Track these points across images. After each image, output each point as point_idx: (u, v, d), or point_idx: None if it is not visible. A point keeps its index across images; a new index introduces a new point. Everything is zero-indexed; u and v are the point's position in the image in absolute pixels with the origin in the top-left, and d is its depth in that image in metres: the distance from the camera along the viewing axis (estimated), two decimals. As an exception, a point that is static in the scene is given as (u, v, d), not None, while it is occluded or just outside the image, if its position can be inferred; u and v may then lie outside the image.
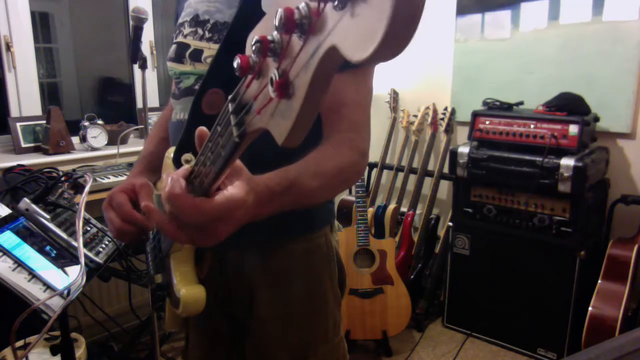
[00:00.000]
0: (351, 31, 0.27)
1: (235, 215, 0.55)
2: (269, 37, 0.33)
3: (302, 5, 0.30)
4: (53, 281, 1.17)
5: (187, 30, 0.96)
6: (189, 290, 0.84)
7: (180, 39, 0.97)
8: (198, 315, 0.90)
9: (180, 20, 1.00)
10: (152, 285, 0.97)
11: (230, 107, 0.41)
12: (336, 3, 0.27)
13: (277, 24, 0.31)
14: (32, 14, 2.36)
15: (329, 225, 1.04)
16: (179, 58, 0.96)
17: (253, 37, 0.35)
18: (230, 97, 0.42)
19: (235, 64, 0.37)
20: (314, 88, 0.31)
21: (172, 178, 0.54)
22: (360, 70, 0.84)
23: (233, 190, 0.55)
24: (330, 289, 1.04)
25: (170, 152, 0.89)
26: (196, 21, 0.95)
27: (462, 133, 2.88)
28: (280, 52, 0.33)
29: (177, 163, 0.80)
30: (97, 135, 2.49)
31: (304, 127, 0.34)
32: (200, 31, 0.93)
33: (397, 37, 0.25)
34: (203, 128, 0.56)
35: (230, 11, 0.89)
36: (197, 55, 0.93)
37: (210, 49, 0.91)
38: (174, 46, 0.99)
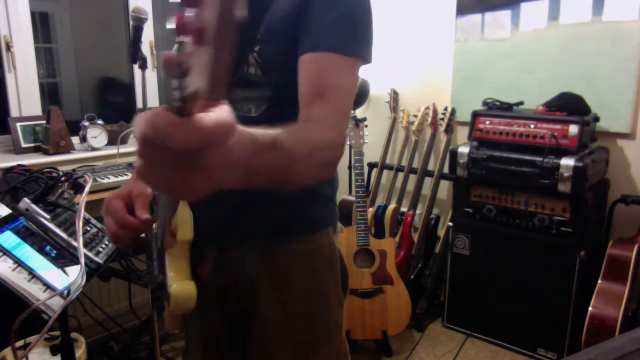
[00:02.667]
0: None
1: (228, 142, 0.43)
2: None
3: None
4: (53, 281, 1.17)
5: None
6: (179, 286, 0.83)
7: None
8: (195, 315, 0.89)
9: None
10: (153, 285, 0.97)
11: (173, 71, 0.40)
12: None
13: None
14: (32, 14, 2.36)
15: (332, 226, 1.05)
16: None
17: None
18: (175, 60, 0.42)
19: (172, 24, 0.37)
20: (220, 27, 0.32)
21: (153, 109, 0.42)
22: (351, 59, 0.84)
23: (220, 112, 0.43)
24: (333, 290, 1.04)
25: None
26: None
27: (462, 133, 2.88)
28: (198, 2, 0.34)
29: None
30: (97, 135, 2.49)
31: (220, 76, 0.34)
32: None
33: None
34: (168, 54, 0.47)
35: None
36: None
37: None
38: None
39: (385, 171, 3.07)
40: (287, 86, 0.84)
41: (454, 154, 2.46)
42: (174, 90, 0.40)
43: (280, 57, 0.86)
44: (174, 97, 0.40)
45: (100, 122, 2.52)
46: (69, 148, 2.37)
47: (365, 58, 0.87)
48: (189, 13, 0.35)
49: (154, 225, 0.94)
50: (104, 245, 1.47)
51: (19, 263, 1.15)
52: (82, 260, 1.13)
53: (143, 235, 0.96)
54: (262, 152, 0.57)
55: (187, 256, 0.88)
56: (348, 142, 2.43)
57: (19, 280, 1.11)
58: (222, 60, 0.34)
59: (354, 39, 0.84)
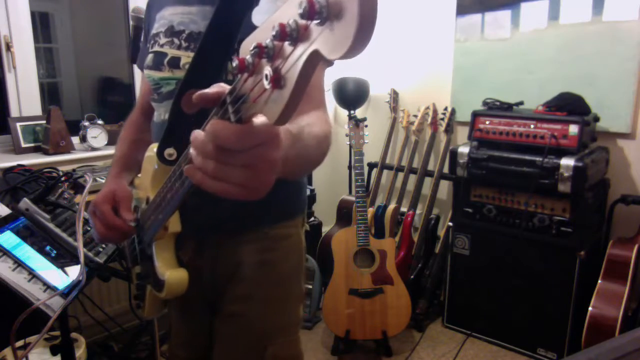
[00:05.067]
0: (329, 39, 0.37)
1: (281, 139, 0.51)
2: (264, 44, 0.43)
3: (291, 21, 0.40)
4: (53, 281, 1.17)
5: (163, 40, 1.03)
6: (172, 273, 0.93)
7: (156, 48, 1.04)
8: (175, 301, 0.97)
9: (154, 31, 1.07)
10: (136, 281, 1.04)
11: (228, 99, 0.49)
12: (319, 21, 0.38)
13: (274, 34, 0.41)
14: (32, 14, 2.36)
15: (302, 215, 1.12)
16: (157, 66, 1.03)
17: (251, 44, 0.44)
18: (227, 91, 0.50)
19: (234, 64, 0.45)
20: (301, 80, 0.41)
21: (212, 121, 0.50)
22: None
23: (263, 117, 0.50)
24: (297, 280, 1.11)
25: (153, 147, 0.97)
26: (171, 32, 1.02)
27: (462, 133, 2.88)
28: (273, 55, 0.43)
29: (161, 157, 0.88)
30: (97, 135, 2.49)
31: (292, 110, 0.43)
32: (176, 41, 1.01)
33: (360, 42, 0.36)
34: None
35: (204, 22, 0.96)
36: (175, 62, 1.00)
37: (187, 57, 0.99)
38: (150, 55, 1.05)
39: (385, 171, 3.07)
40: None
41: (454, 154, 2.46)
42: (229, 114, 0.49)
43: None
44: (228, 119, 0.49)
45: (100, 122, 2.52)
46: (69, 148, 2.37)
47: None
48: (259, 60, 0.44)
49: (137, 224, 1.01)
50: (104, 245, 1.47)
51: (19, 263, 1.15)
52: (82, 260, 1.13)
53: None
54: (296, 143, 0.67)
55: (173, 247, 0.97)
56: (348, 142, 2.43)
57: (19, 280, 1.11)
58: (296, 101, 0.43)
59: None
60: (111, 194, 1.00)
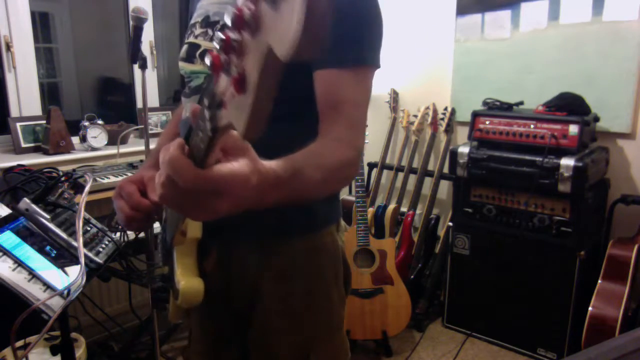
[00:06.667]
0: (277, 27, 0.28)
1: (236, 193, 0.50)
2: (232, 36, 0.34)
3: (249, 4, 0.30)
4: (53, 281, 1.17)
5: (198, 31, 0.98)
6: (187, 282, 0.88)
7: (191, 39, 0.99)
8: (198, 308, 0.92)
9: (192, 21, 1.02)
10: (153, 285, 0.99)
11: (206, 101, 0.42)
12: (270, 2, 0.29)
13: (229, 23, 0.33)
14: (32, 14, 2.36)
15: (335, 224, 1.05)
16: (189, 58, 0.98)
17: (218, 35, 0.36)
18: (204, 92, 0.43)
19: (207, 61, 0.38)
20: (262, 83, 0.33)
21: (174, 143, 0.50)
22: (361, 69, 0.86)
23: (237, 165, 0.50)
24: (335, 287, 1.05)
25: None
26: (207, 22, 0.97)
27: (462, 133, 2.88)
28: (240, 50, 0.34)
29: None
30: (97, 135, 2.49)
31: (259, 119, 0.36)
32: (210, 32, 0.96)
33: (312, 30, 0.27)
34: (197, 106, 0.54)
35: None
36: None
37: None
38: (185, 46, 1.01)
39: (385, 171, 3.07)
40: (280, 103, 0.86)
41: (454, 154, 2.46)
42: (206, 121, 0.41)
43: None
44: (205, 126, 0.42)
45: (100, 122, 2.52)
46: (69, 148, 2.37)
47: (375, 63, 0.88)
48: (227, 57, 0.36)
49: (164, 215, 0.97)
50: (104, 245, 1.47)
51: (19, 263, 1.15)
52: (82, 260, 1.13)
53: (154, 218, 0.97)
54: (283, 185, 0.63)
55: (195, 253, 0.92)
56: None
57: (19, 280, 1.11)
58: (263, 108, 0.36)
59: (360, 49, 0.85)
60: (139, 176, 0.95)
